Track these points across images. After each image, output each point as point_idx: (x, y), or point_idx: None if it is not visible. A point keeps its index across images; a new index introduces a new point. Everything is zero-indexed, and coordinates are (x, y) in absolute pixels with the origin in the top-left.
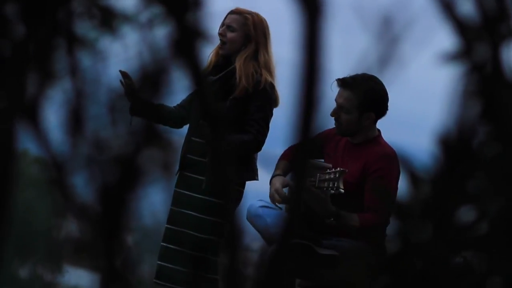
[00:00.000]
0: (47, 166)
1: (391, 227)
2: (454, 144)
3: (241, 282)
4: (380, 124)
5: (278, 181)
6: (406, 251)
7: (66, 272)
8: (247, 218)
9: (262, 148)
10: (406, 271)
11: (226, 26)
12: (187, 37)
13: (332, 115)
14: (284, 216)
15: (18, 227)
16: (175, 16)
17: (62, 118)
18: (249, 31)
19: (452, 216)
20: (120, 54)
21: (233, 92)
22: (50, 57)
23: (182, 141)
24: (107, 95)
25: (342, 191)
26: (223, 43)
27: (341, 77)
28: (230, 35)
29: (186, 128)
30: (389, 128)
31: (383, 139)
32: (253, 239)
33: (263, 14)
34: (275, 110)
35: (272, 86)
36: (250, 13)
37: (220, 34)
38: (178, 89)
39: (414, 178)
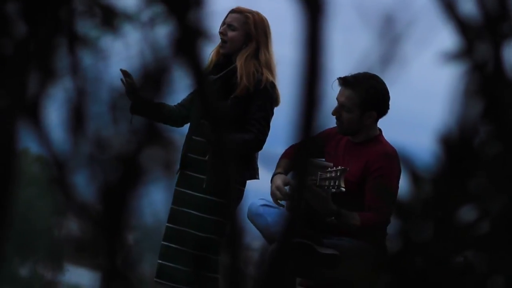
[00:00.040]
0: (48, 164)
1: (392, 226)
2: (455, 143)
3: (242, 281)
4: (382, 123)
5: (279, 179)
6: (407, 250)
7: (67, 271)
8: (247, 217)
9: (263, 147)
10: (407, 271)
11: (227, 25)
12: (188, 36)
13: (333, 114)
14: (286, 215)
15: (19, 225)
16: (176, 15)
17: (64, 116)
18: (249, 30)
19: (453, 216)
20: (121, 53)
21: (234, 91)
22: (52, 56)
23: (183, 140)
24: (109, 94)
25: (343, 189)
26: (224, 42)
27: (342, 76)
28: (230, 34)
29: (186, 127)
30: (391, 127)
31: (384, 138)
32: (254, 238)
33: (265, 13)
34: (275, 109)
35: (273, 85)
36: (251, 12)
37: (221, 33)
38: (180, 88)
39: (415, 177)
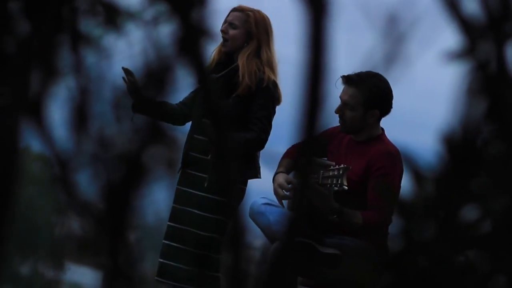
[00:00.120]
0: (51, 163)
1: (394, 226)
2: (458, 143)
3: (244, 280)
4: (385, 122)
5: (281, 177)
6: (409, 249)
7: (68, 270)
8: (249, 216)
9: (265, 146)
10: (409, 270)
11: (228, 23)
12: (191, 35)
13: (336, 112)
14: (288, 215)
15: (20, 224)
16: (179, 14)
17: (66, 115)
18: (250, 28)
19: (456, 215)
20: (124, 52)
21: (235, 90)
22: (54, 54)
23: (185, 138)
24: (111, 93)
25: (346, 187)
26: (225, 40)
27: (346, 74)
28: (232, 32)
29: (188, 125)
30: (394, 127)
31: (386, 137)
32: (255, 237)
33: (268, 12)
34: (277, 108)
35: (274, 84)
36: (252, 10)
37: (222, 31)
38: (182, 87)
39: (418, 177)
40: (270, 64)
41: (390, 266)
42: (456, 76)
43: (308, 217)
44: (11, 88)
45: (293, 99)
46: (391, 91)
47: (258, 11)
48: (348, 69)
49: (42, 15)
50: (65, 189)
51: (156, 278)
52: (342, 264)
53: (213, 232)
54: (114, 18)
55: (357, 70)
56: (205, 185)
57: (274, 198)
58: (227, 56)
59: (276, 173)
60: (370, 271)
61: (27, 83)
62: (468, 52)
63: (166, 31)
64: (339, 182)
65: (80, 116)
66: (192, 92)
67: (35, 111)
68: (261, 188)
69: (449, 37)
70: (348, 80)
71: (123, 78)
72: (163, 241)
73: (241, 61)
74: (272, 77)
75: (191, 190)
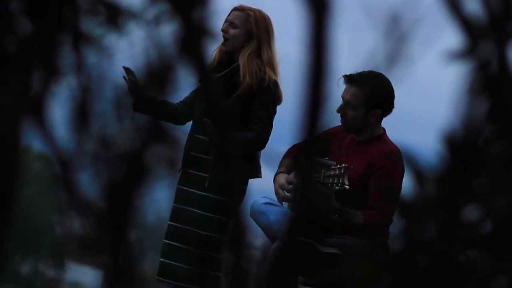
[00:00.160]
0: (52, 162)
1: (396, 226)
2: (459, 143)
3: (245, 279)
4: (386, 122)
5: (282, 177)
6: (410, 249)
7: (69, 269)
8: (250, 215)
9: (266, 145)
10: (410, 270)
11: (228, 22)
12: (192, 34)
13: (338, 111)
14: (289, 214)
15: (21, 223)
16: (181, 14)
17: (68, 114)
18: (251, 28)
19: (457, 215)
20: (125, 51)
21: (236, 90)
22: (56, 54)
23: (185, 138)
24: (113, 92)
25: (347, 187)
26: (225, 39)
27: (348, 73)
28: (232, 31)
29: (189, 125)
30: (395, 126)
31: (388, 137)
32: (256, 236)
33: (270, 12)
34: (278, 108)
35: (275, 84)
36: (253, 10)
37: (222, 30)
38: (183, 86)
39: (419, 176)
40: (271, 64)
41: (391, 266)
42: (457, 76)
43: (309, 217)
44: (12, 88)
45: (295, 98)
46: (393, 90)
47: (259, 11)
48: (350, 68)
49: (43, 14)
50: (66, 188)
51: (157, 277)
52: (342, 263)
53: (214, 231)
54: (115, 18)
55: (359, 70)
56: (206, 184)
57: (274, 197)
58: (228, 56)
59: (277, 173)
60: (371, 270)
61: (28, 82)
62: (469, 52)
63: (168, 30)
64: (340, 181)
65: (81, 115)
66: (193, 92)
67: (37, 111)
68: (262, 188)
69: (450, 37)
70: (350, 79)
71: (124, 77)
72: (164, 240)
73: (242, 60)
74: (273, 76)
75: (192, 190)
